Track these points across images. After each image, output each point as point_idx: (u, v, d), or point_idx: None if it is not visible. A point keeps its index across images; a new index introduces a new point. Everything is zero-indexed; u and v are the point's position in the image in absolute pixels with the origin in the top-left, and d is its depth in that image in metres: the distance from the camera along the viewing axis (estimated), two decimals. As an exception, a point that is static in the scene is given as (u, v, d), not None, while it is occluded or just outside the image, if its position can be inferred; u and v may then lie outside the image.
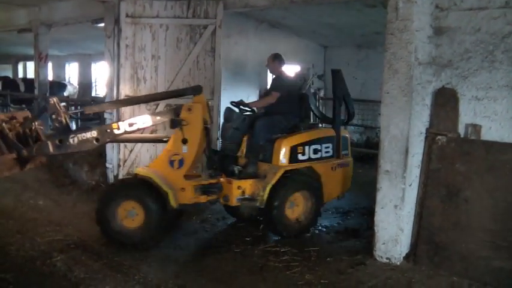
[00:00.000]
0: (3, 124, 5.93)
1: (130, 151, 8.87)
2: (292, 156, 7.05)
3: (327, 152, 7.41)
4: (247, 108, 7.64)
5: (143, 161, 8.82)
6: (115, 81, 8.84)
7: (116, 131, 6.22)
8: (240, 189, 6.83)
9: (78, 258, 6.04)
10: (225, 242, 6.79)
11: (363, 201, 8.62)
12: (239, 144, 7.35)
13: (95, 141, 6.17)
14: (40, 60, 14.41)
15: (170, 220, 6.84)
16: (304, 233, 7.11)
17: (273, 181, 6.77)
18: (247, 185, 6.87)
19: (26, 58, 30.54)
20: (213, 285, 5.40)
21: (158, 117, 6.56)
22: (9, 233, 6.80)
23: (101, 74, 24.26)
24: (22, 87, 20.59)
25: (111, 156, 8.95)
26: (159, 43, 8.67)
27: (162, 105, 8.58)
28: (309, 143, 7.23)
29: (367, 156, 11.83)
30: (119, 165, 8.91)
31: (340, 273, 5.75)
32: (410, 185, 5.85)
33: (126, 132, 6.29)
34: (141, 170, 6.66)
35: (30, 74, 26.54)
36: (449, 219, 5.72)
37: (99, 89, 25.28)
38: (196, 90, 6.70)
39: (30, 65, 28.13)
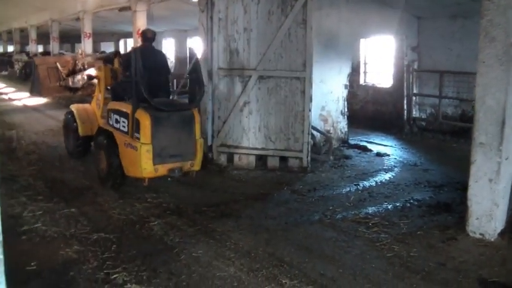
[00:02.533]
0: (58, 64, 11.49)
1: (224, 122, 9.13)
2: (108, 119, 8.02)
3: (123, 127, 7.54)
4: None
5: (236, 131, 9.06)
6: (209, 54, 9.08)
7: (84, 77, 10.75)
8: None
9: (173, 223, 6.37)
10: (315, 212, 6.87)
11: (456, 176, 8.38)
12: None
13: (80, 82, 11.50)
14: (138, 36, 14.97)
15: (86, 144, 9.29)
16: (106, 184, 7.81)
17: (80, 131, 8.99)
18: None
19: (126, 35, 31.87)
20: (300, 252, 5.51)
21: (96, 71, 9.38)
22: (112, 199, 7.26)
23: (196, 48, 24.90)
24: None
25: (205, 127, 9.22)
26: (251, 16, 8.79)
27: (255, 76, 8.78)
28: (113, 111, 7.85)
29: (462, 130, 11.45)
30: (212, 136, 9.20)
31: (431, 247, 5.69)
32: (506, 159, 5.63)
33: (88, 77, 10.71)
34: (72, 106, 9.55)
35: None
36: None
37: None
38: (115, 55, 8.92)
39: (130, 42, 29.32)
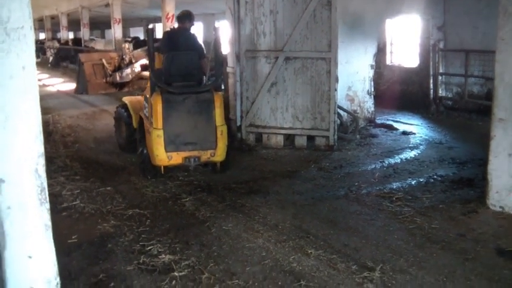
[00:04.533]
0: (103, 60, 10.56)
1: (252, 103, 9.36)
2: (144, 106, 7.84)
3: (147, 112, 7.31)
4: None
5: (264, 111, 9.28)
6: (236, 36, 9.30)
7: (135, 69, 9.54)
8: None
9: (204, 199, 6.66)
10: (341, 187, 7.10)
11: (480, 153, 8.42)
12: None
13: (130, 76, 11.34)
14: (167, 20, 15.30)
15: None
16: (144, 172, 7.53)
17: (135, 123, 8.34)
18: None
19: (155, 20, 32.26)
20: (326, 225, 5.76)
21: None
22: (145, 178, 7.57)
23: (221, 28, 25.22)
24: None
25: (234, 109, 9.48)
26: (277, -2, 8.97)
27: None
28: (144, 97, 7.69)
29: (487, 108, 11.34)
30: (241, 117, 9.46)
31: (451, 219, 5.88)
32: (526, 134, 5.77)
33: (142, 68, 9.33)
34: (125, 99, 8.99)
35: (160, 35, 28.08)
36: None
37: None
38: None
39: (159, 27, 29.69)
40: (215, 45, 7.53)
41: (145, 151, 7.38)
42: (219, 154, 7.19)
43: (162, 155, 6.91)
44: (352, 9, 10.40)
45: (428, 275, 4.63)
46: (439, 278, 4.56)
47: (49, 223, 3.18)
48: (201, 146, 7.07)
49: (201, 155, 7.06)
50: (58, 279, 3.27)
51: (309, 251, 5.09)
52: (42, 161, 3.10)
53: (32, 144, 3.04)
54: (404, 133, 10.43)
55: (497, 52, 5.84)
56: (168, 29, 10.47)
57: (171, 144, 6.92)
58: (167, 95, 6.97)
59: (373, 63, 11.08)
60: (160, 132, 6.84)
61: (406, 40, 14.41)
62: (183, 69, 7.34)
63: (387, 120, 11.68)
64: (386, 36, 14.33)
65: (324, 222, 5.86)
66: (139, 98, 8.94)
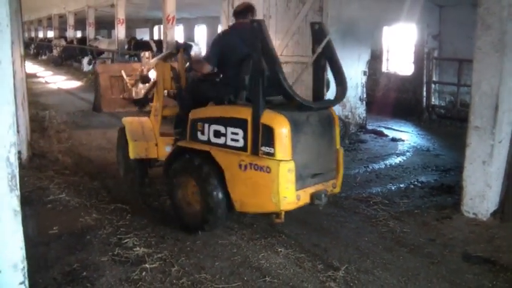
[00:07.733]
0: (123, 72, 8.29)
1: (242, 106, 9.47)
2: (192, 133, 5.63)
3: (234, 140, 5.20)
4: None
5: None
6: (229, 40, 9.46)
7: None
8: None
9: (186, 197, 6.77)
10: (321, 191, 7.21)
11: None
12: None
13: (143, 91, 8.05)
14: (168, 22, 15.42)
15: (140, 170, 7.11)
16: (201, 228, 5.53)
17: (165, 156, 6.38)
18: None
19: (160, 22, 32.48)
20: (300, 225, 5.87)
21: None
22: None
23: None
24: (154, 48, 22.20)
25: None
26: (270, 3, 9.15)
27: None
28: (210, 120, 5.44)
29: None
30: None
31: (424, 224, 6.00)
32: (500, 142, 5.88)
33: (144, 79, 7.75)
34: (124, 120, 7.25)
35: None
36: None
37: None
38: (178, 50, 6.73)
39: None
40: (329, 48, 5.71)
41: (220, 196, 5.30)
42: (339, 184, 5.61)
43: (292, 196, 4.94)
44: (347, 16, 10.52)
45: (391, 276, 4.74)
46: (401, 280, 4.68)
47: (18, 209, 3.30)
48: (326, 176, 5.41)
49: (327, 188, 5.38)
50: (25, 263, 3.39)
51: (279, 249, 5.22)
52: (13, 150, 3.23)
53: (5, 134, 3.18)
54: (394, 140, 10.56)
55: (474, 62, 5.97)
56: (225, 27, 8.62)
57: (299, 179, 5.02)
58: (289, 114, 5.00)
59: (366, 70, 11.21)
60: (292, 165, 4.88)
61: (402, 48, 14.54)
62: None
63: (379, 126, 11.79)
64: (383, 43, 14.47)
65: (298, 222, 5.96)
66: (145, 119, 7.16)
